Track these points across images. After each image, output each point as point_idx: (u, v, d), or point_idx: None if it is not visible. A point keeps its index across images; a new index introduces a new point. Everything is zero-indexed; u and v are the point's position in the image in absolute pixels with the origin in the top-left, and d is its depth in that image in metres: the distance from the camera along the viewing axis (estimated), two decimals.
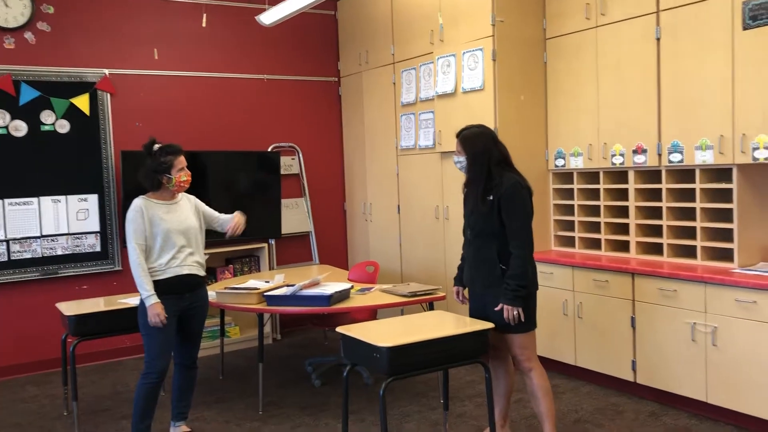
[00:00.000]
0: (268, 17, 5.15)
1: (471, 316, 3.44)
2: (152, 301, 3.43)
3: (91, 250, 5.41)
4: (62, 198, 5.30)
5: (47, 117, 5.23)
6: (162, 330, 3.46)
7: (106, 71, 5.46)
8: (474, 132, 3.38)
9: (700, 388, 3.76)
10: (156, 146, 3.57)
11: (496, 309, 3.25)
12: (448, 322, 3.38)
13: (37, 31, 5.22)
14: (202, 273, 3.70)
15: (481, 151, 3.30)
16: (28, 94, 5.15)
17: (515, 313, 3.20)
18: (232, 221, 3.87)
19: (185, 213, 3.66)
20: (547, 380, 3.35)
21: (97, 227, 5.43)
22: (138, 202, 3.54)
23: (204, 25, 5.44)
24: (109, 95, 5.47)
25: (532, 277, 3.34)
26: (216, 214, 3.90)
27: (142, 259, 3.46)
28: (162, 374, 3.52)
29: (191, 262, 3.63)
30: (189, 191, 3.75)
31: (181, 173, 3.57)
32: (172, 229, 3.55)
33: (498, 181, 3.25)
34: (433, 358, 3.06)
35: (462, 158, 3.36)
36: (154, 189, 3.58)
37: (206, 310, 3.78)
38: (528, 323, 3.31)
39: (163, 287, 3.49)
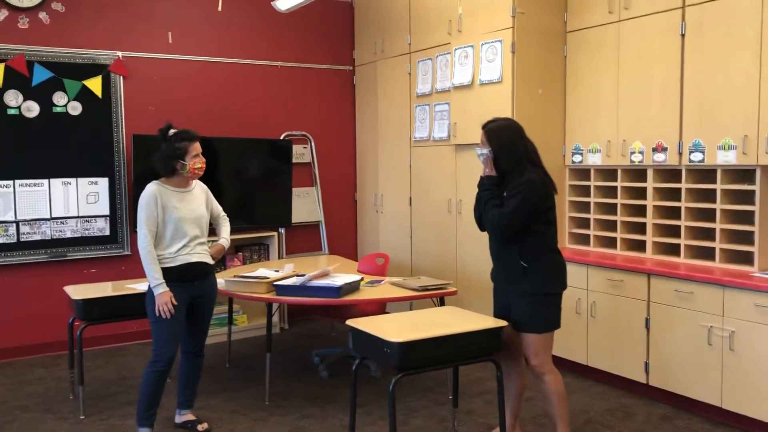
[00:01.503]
0: (284, 3, 5.07)
1: (495, 313, 3.38)
2: (161, 289, 3.38)
3: (100, 234, 5.39)
4: (73, 180, 5.26)
5: (59, 98, 5.19)
6: (170, 318, 3.42)
7: (120, 54, 5.41)
8: (501, 125, 3.27)
9: (715, 393, 3.69)
10: (171, 131, 3.52)
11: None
12: (460, 319, 3.32)
13: (51, 11, 5.17)
14: (211, 261, 3.65)
15: (507, 145, 3.21)
16: (40, 75, 5.11)
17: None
18: (215, 247, 3.74)
19: (197, 201, 3.61)
20: (561, 384, 3.27)
21: (107, 211, 5.39)
22: (152, 188, 3.48)
23: (219, 9, 5.38)
24: (121, 78, 5.42)
25: (561, 278, 3.27)
26: (218, 213, 3.83)
27: (152, 247, 3.41)
28: (170, 362, 3.48)
29: (201, 250, 3.59)
30: (201, 177, 3.70)
31: (196, 160, 3.51)
32: (185, 218, 3.50)
33: (516, 178, 3.16)
34: (445, 354, 3.01)
35: (486, 151, 3.25)
36: (167, 174, 3.53)
37: (215, 299, 3.74)
38: (544, 324, 3.23)
39: (172, 275, 3.44)
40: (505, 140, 3.21)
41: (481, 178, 3.31)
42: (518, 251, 3.19)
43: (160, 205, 3.44)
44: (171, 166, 3.49)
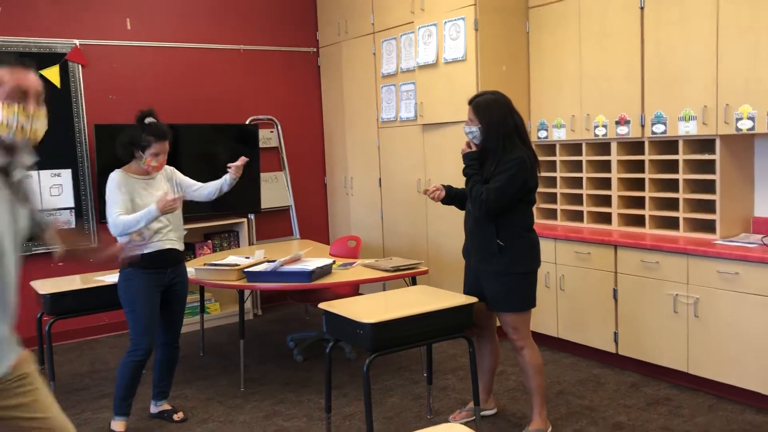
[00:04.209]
0: None
1: (465, 290, 3.40)
2: (154, 212, 3.27)
3: (65, 227, 5.29)
4: (34, 173, 5.15)
5: None
6: (146, 305, 3.41)
7: (77, 42, 5.28)
8: (488, 99, 3.18)
9: (682, 359, 3.79)
10: (148, 120, 3.44)
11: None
12: (432, 297, 3.35)
13: None
14: (181, 248, 3.62)
15: (497, 120, 3.12)
16: None
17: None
18: (233, 170, 3.66)
19: (162, 188, 3.56)
20: (539, 357, 3.32)
21: (71, 203, 5.30)
22: (115, 177, 3.43)
23: None
24: (80, 66, 5.30)
25: (535, 256, 3.27)
26: (191, 182, 3.75)
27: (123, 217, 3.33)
28: (148, 351, 3.45)
29: (172, 236, 3.55)
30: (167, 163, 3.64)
31: (153, 159, 3.44)
32: None
33: (506, 155, 3.11)
34: (418, 333, 3.03)
35: (474, 128, 3.17)
36: (126, 159, 3.48)
37: (187, 287, 3.71)
38: (521, 303, 3.25)
39: (144, 261, 3.40)
40: (494, 116, 3.13)
41: (463, 155, 3.27)
42: (496, 230, 3.17)
43: (126, 191, 3.40)
44: (130, 151, 3.45)
